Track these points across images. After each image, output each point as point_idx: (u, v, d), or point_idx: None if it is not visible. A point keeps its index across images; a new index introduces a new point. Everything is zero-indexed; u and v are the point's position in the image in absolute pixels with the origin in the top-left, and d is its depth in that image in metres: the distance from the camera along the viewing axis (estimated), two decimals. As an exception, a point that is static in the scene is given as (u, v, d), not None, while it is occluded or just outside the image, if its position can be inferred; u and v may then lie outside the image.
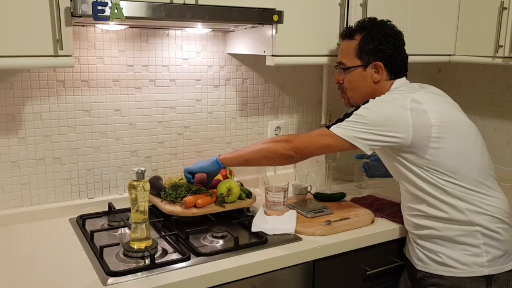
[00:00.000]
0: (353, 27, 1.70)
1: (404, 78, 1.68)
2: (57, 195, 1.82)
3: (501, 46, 2.04)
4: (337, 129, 1.53)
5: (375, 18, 1.70)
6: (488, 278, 1.52)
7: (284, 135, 1.79)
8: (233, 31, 1.97)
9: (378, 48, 1.62)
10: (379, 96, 1.60)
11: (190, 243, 1.54)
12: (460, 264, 1.53)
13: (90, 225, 1.70)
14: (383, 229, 1.73)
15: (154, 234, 1.63)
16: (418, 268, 1.63)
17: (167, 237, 1.61)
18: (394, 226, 1.76)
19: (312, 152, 1.60)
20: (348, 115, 1.57)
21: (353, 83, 1.67)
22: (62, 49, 1.36)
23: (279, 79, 2.23)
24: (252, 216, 1.73)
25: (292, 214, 1.75)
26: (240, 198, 1.78)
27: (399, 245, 1.78)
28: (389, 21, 1.69)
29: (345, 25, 1.85)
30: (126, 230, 1.67)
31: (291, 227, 1.66)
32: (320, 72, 2.32)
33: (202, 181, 1.83)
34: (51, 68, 1.73)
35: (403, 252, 1.76)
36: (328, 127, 1.56)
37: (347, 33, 1.70)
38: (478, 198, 1.53)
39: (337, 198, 1.97)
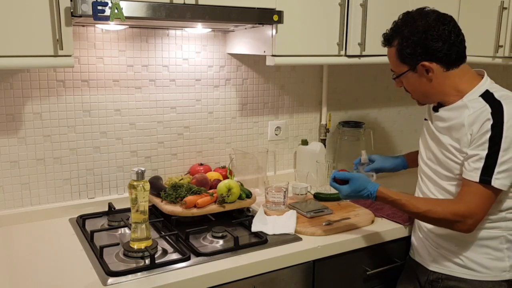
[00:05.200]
0: (388, 31, 1.56)
1: (487, 78, 1.54)
2: (57, 195, 1.82)
3: (501, 46, 2.04)
4: (498, 181, 1.38)
5: (407, 13, 1.53)
6: (510, 283, 1.50)
7: (454, 206, 1.44)
8: (233, 31, 1.96)
9: (416, 50, 1.47)
10: (441, 91, 1.51)
11: (190, 243, 1.54)
12: (482, 267, 1.50)
13: (90, 225, 1.70)
14: (383, 229, 1.73)
15: (154, 234, 1.63)
16: (431, 269, 1.59)
17: (167, 237, 1.61)
18: (394, 226, 1.76)
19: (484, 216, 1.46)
20: (435, 108, 1.55)
21: (411, 86, 1.56)
22: (62, 49, 1.37)
23: (279, 79, 2.23)
24: (252, 216, 1.73)
25: (292, 214, 1.75)
26: (240, 198, 1.78)
27: (399, 245, 1.78)
28: (424, 8, 1.52)
29: (345, 25, 1.85)
30: (126, 230, 1.67)
31: (291, 227, 1.66)
32: (320, 72, 2.31)
33: (202, 181, 1.83)
34: (51, 68, 1.73)
35: (408, 254, 1.74)
36: (484, 180, 1.39)
37: (384, 41, 1.58)
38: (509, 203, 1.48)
39: (337, 198, 1.97)
